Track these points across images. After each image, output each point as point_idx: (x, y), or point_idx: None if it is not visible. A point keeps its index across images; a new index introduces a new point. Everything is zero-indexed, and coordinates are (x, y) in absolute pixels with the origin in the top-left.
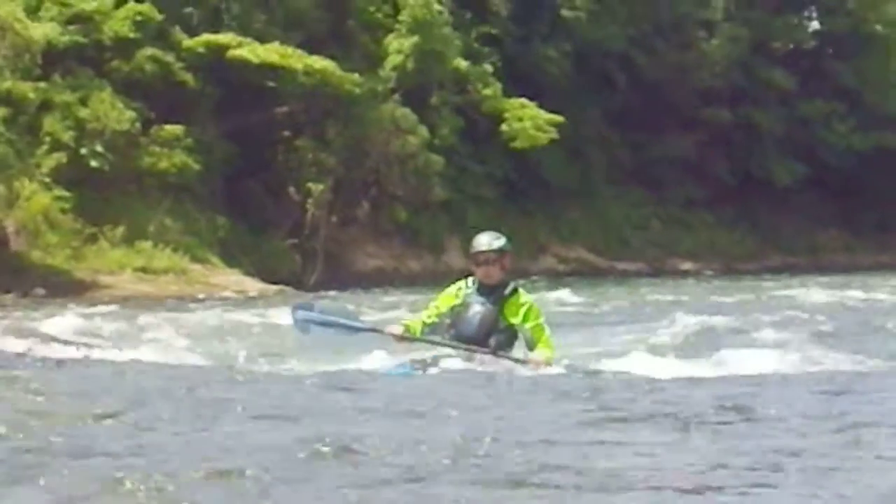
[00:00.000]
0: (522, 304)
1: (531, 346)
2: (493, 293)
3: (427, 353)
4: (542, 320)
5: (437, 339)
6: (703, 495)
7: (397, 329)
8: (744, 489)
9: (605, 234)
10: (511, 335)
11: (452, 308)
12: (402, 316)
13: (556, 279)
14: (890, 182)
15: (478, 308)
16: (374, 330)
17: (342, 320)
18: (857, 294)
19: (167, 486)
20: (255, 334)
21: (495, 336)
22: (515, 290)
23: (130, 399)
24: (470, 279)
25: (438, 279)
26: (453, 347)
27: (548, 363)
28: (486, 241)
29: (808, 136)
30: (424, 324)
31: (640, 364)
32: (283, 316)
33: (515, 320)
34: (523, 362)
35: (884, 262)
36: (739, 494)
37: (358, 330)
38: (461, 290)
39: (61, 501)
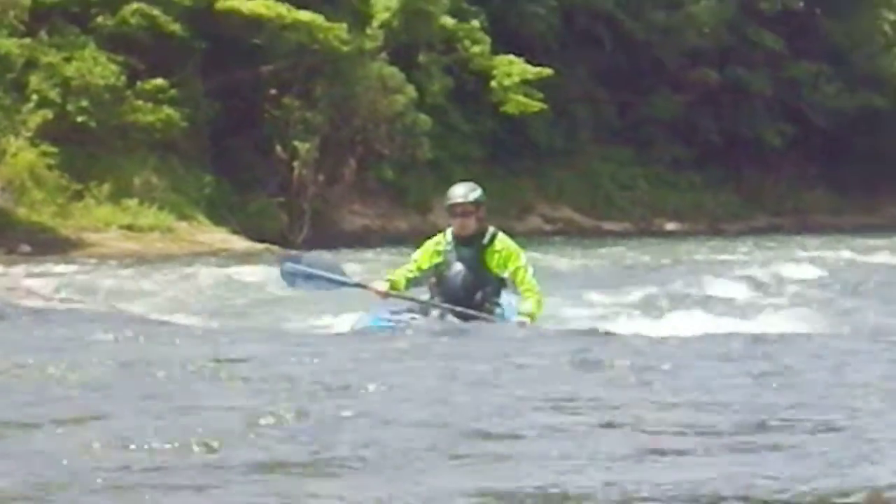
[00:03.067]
0: (501, 250)
1: (516, 290)
2: (472, 245)
3: (404, 306)
4: (522, 262)
5: (421, 298)
6: (684, 454)
7: (382, 285)
8: (721, 446)
9: (592, 194)
10: (497, 285)
11: (436, 266)
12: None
13: (542, 239)
14: (877, 143)
15: (459, 266)
16: (358, 285)
17: (328, 274)
18: (844, 255)
19: (131, 445)
20: (239, 292)
21: (481, 290)
22: (493, 237)
23: (110, 354)
24: (448, 232)
25: (425, 238)
26: (434, 306)
27: (532, 318)
28: (463, 192)
29: (795, 97)
30: (407, 279)
31: (625, 322)
32: (267, 273)
33: (499, 269)
34: (506, 321)
35: (870, 224)
36: (715, 453)
37: (343, 284)
38: (440, 246)
39: (29, 460)
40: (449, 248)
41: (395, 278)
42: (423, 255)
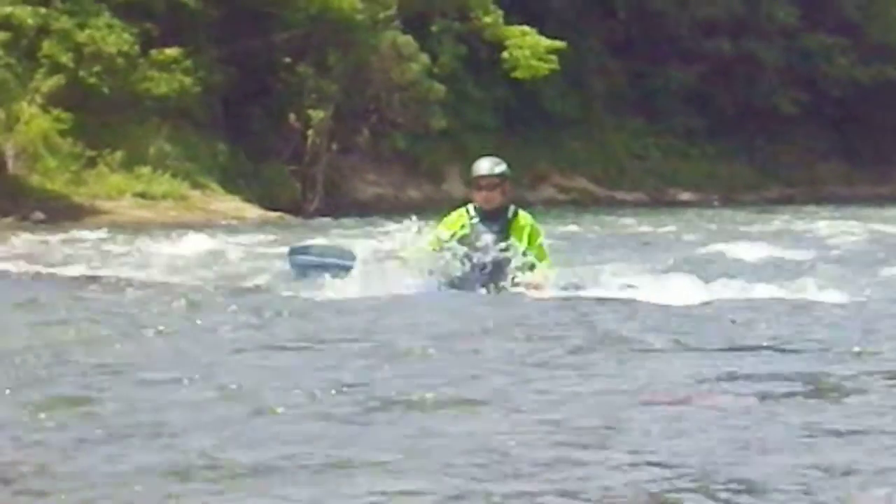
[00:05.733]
0: (524, 227)
1: (531, 267)
2: (497, 219)
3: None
4: (541, 240)
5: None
6: (689, 418)
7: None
8: (730, 412)
9: (605, 164)
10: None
11: (461, 238)
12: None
13: (555, 208)
14: (890, 114)
15: (488, 237)
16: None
17: (339, 261)
18: (855, 226)
19: (146, 406)
20: (251, 260)
21: (511, 262)
22: (516, 213)
23: (125, 320)
24: (470, 207)
25: (438, 207)
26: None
27: (540, 287)
28: (488, 165)
29: (809, 69)
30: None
31: (640, 291)
32: (279, 243)
33: (522, 244)
34: (521, 285)
35: (883, 194)
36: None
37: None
38: (464, 219)
39: (51, 413)
40: (475, 221)
41: (410, 255)
42: (447, 228)
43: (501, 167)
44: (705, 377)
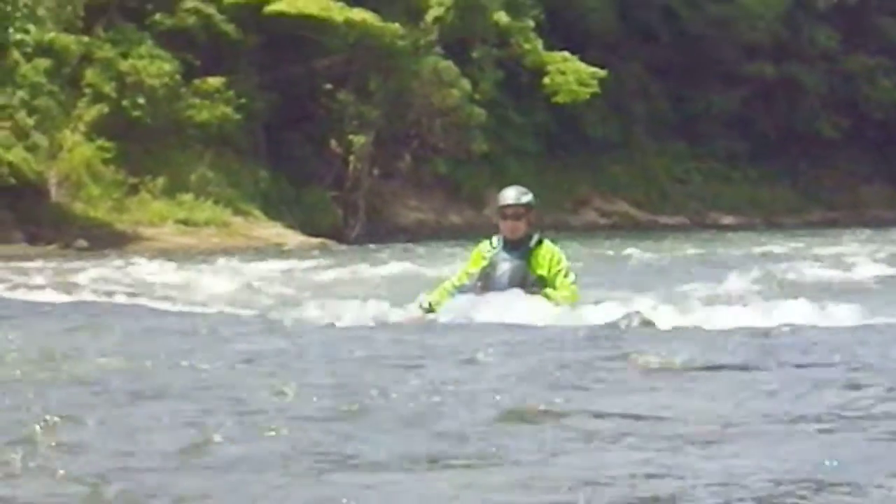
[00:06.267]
0: (545, 255)
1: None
2: (520, 248)
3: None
4: (563, 266)
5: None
6: (724, 446)
7: (417, 314)
8: (767, 441)
9: (647, 188)
10: (542, 287)
11: (482, 269)
12: (444, 269)
13: (597, 232)
14: None
15: (505, 266)
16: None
17: None
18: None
19: (191, 432)
20: (291, 286)
21: (526, 290)
22: (541, 242)
23: (168, 347)
24: (495, 238)
25: (479, 232)
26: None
27: (555, 300)
28: (514, 195)
29: (851, 92)
30: (454, 286)
31: (672, 313)
32: (320, 270)
33: (543, 271)
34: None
35: None
36: (761, 445)
37: None
38: (486, 252)
39: (92, 446)
40: (496, 250)
41: (435, 298)
42: (471, 263)
43: (527, 197)
44: (781, 394)
